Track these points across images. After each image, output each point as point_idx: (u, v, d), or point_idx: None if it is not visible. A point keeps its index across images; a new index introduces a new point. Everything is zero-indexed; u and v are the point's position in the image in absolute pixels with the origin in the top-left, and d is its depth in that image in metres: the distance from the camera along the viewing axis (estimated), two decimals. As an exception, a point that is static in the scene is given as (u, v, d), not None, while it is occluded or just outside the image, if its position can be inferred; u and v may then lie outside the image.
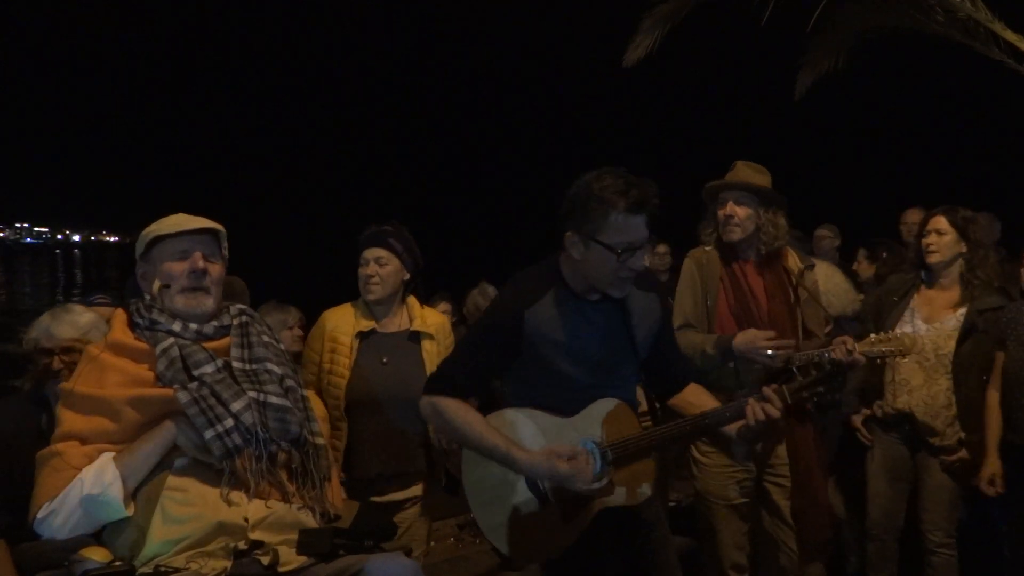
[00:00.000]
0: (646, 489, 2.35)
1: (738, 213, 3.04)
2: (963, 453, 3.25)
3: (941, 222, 3.28)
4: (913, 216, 5.09)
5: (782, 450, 3.09)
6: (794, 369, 2.41)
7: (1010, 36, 5.12)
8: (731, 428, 2.38)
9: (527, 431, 2.29)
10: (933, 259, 3.28)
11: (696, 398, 2.48)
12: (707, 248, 3.16)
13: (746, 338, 2.89)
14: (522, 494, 2.29)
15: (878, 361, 2.93)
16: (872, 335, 2.90)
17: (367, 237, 3.12)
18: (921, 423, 3.27)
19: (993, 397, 3.23)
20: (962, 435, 3.25)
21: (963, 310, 3.26)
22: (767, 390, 2.31)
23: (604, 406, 2.33)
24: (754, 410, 2.28)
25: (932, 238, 3.28)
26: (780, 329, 2.99)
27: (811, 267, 3.26)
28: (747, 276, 3.10)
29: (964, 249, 3.28)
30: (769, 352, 2.85)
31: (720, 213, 3.09)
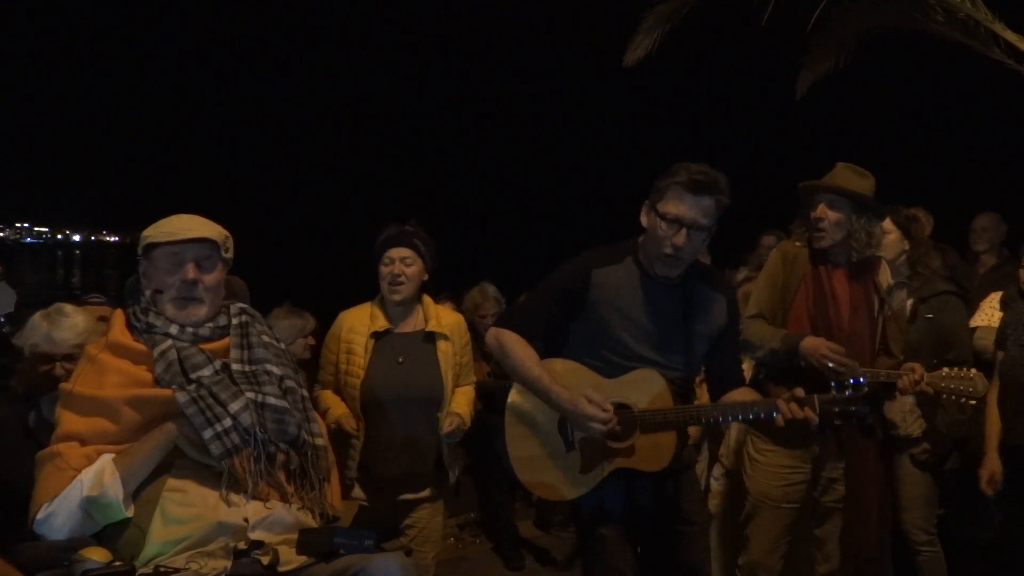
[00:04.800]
0: (665, 460, 2.43)
1: (828, 217, 2.96)
2: (926, 444, 3.34)
3: (886, 222, 3.36)
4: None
5: (839, 465, 3.04)
6: (832, 383, 2.37)
7: (1010, 36, 5.12)
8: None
9: (569, 382, 2.40)
10: None
11: (744, 397, 2.50)
12: (798, 244, 3.10)
13: (814, 343, 2.83)
14: (552, 436, 2.46)
15: (943, 396, 2.85)
16: (945, 368, 2.84)
17: (392, 237, 3.12)
18: (882, 416, 3.31)
19: (992, 396, 3.23)
20: (923, 424, 3.33)
21: (911, 301, 3.37)
22: (800, 392, 2.31)
23: (644, 375, 2.43)
24: (790, 408, 2.29)
25: None
26: (857, 342, 2.94)
27: (902, 285, 3.16)
28: (832, 281, 3.01)
29: (907, 247, 3.42)
30: (830, 364, 2.77)
31: (811, 215, 3.01)
